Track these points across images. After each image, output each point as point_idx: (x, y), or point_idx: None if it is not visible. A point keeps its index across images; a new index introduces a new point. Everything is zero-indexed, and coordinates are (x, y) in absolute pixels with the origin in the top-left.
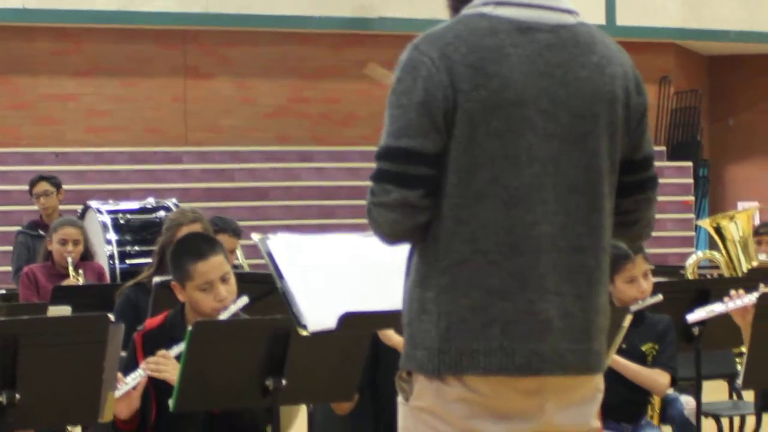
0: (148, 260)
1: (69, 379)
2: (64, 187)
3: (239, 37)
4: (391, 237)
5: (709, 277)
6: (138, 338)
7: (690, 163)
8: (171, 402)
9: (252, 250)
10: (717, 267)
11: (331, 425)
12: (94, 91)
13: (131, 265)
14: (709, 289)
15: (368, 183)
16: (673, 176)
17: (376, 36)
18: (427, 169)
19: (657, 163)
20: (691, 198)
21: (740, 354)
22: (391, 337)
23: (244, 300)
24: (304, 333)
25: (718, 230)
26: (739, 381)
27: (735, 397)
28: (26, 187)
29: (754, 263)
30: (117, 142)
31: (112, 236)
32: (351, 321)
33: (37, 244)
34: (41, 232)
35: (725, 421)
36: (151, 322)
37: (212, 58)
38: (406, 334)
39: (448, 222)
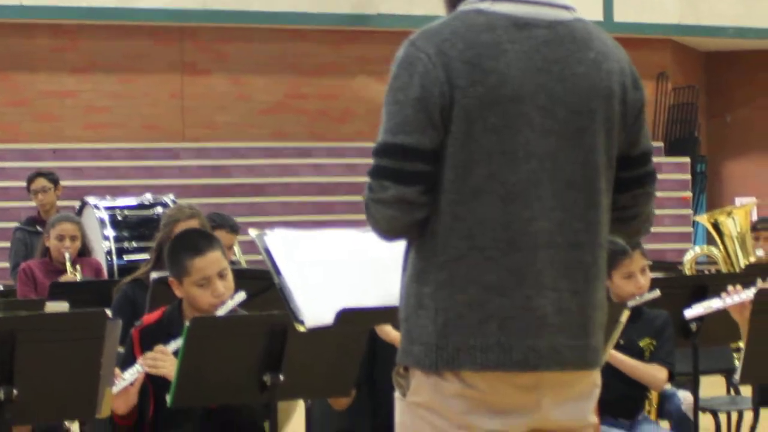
0: (146, 256)
1: (66, 375)
2: (62, 183)
3: (236, 33)
4: (388, 233)
5: (706, 272)
6: (135, 334)
7: (687, 159)
8: (168, 397)
9: (249, 246)
10: (715, 263)
11: (329, 421)
12: (92, 87)
13: (129, 261)
14: (706, 284)
15: (366, 179)
16: (671, 172)
17: (374, 32)
18: (424, 165)
19: (654, 159)
20: (689, 194)
21: (738, 349)
22: (389, 332)
23: (242, 296)
24: (302, 329)
25: (716, 226)
26: (737, 376)
27: (732, 392)
28: (24, 184)
29: (752, 259)
30: (115, 138)
31: (110, 232)
32: (348, 317)
33: (34, 240)
34: (39, 229)
35: (723, 417)
36: (149, 318)
37: (209, 55)
38: (403, 330)
39: (445, 218)
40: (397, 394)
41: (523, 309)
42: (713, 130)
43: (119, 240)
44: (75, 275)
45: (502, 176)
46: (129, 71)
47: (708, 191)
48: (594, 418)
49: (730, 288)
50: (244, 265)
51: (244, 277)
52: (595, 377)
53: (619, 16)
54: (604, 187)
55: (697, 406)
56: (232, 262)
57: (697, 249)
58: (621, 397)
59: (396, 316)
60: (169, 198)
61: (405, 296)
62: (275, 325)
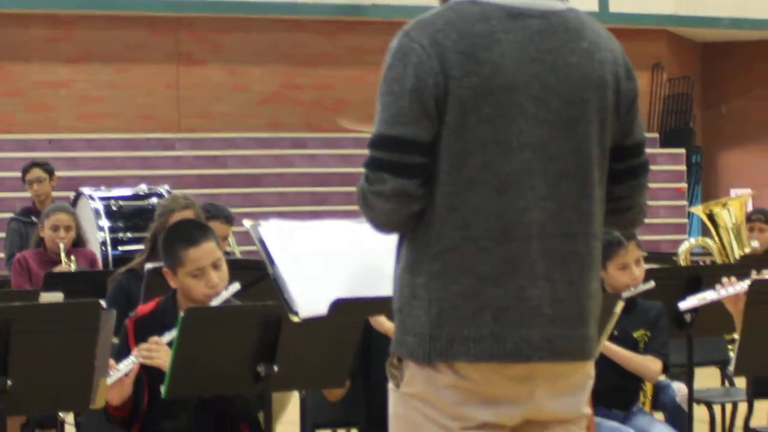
0: (140, 247)
1: (61, 366)
2: (57, 173)
3: (232, 23)
4: (386, 226)
5: (701, 263)
6: (130, 325)
7: (683, 150)
8: (163, 388)
9: (244, 237)
10: (710, 254)
11: (323, 412)
12: (87, 77)
13: (123, 251)
14: (701, 275)
15: (361, 170)
16: (666, 163)
17: (369, 23)
18: (421, 157)
19: (649, 150)
20: (684, 185)
21: (732, 341)
22: (383, 323)
23: (236, 286)
24: (296, 319)
25: (711, 217)
26: (731, 368)
27: (727, 383)
28: (19, 174)
29: (747, 250)
30: (110, 128)
31: (105, 223)
32: (342, 307)
33: (29, 230)
34: (34, 219)
35: (717, 408)
36: (143, 308)
37: (205, 45)
38: (397, 320)
39: (440, 209)
40: (390, 385)
41: (517, 299)
42: (708, 121)
43: (114, 230)
44: (69, 266)
45: (496, 166)
46: (124, 61)
47: (703, 182)
48: (588, 410)
49: (724, 279)
50: (238, 255)
51: (238, 268)
52: (589, 368)
53: (615, 6)
54: (598, 177)
55: (692, 398)
56: (226, 253)
57: (692, 240)
58: (615, 389)
59: (390, 307)
60: (164, 188)
61: (398, 287)
62: (269, 315)
